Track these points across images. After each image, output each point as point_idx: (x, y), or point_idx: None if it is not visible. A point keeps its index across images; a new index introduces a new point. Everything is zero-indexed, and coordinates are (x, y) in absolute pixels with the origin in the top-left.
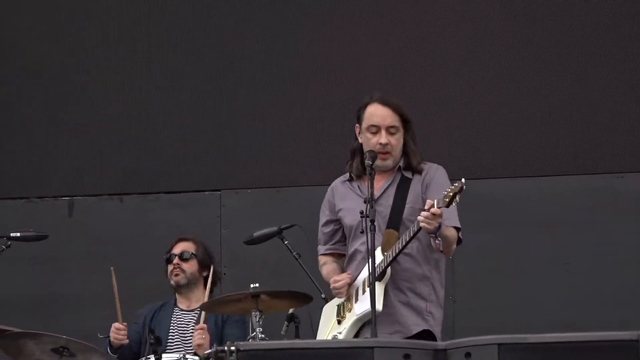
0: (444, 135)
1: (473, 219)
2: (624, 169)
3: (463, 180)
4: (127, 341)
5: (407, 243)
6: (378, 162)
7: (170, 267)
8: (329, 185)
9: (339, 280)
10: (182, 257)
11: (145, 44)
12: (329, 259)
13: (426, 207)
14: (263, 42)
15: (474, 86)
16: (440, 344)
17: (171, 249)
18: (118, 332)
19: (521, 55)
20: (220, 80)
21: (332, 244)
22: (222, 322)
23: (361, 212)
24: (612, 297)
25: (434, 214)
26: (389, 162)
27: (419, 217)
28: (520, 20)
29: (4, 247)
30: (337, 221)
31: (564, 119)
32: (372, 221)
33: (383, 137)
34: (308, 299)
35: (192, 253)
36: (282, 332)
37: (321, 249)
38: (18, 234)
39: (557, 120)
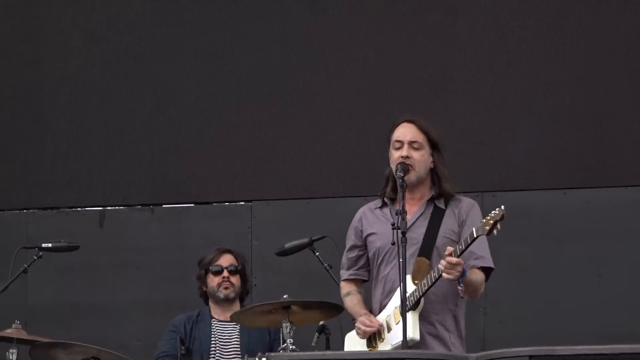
0: (473, 147)
1: (503, 230)
2: None
3: (503, 207)
4: None
5: (435, 281)
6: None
7: (217, 279)
8: (360, 196)
9: (369, 325)
10: (229, 270)
11: (175, 55)
12: (353, 288)
13: (446, 253)
14: (293, 52)
15: (504, 98)
16: (472, 355)
17: (217, 259)
18: None
19: (552, 67)
20: (251, 92)
21: (356, 270)
22: (274, 338)
23: (393, 224)
24: None
25: (451, 264)
26: (412, 176)
27: (439, 266)
28: (549, 33)
29: (35, 257)
30: (362, 247)
31: (595, 131)
32: (404, 233)
33: (404, 151)
34: (339, 309)
35: (238, 267)
36: (312, 344)
37: (344, 274)
38: (50, 245)
39: (588, 132)
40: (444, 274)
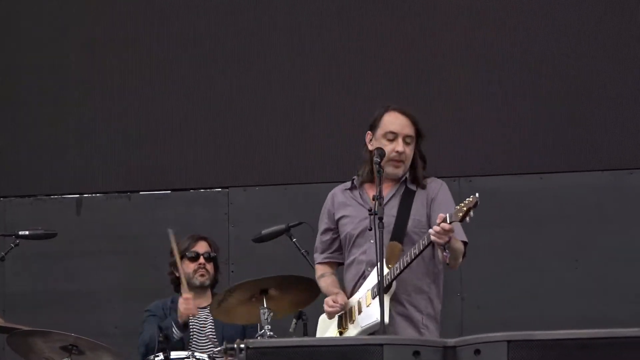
0: (451, 132)
1: (480, 215)
2: (633, 165)
3: (477, 194)
4: (197, 312)
5: (415, 257)
6: (390, 170)
7: (193, 265)
8: (337, 182)
9: (332, 306)
10: (205, 257)
11: (155, 42)
12: (327, 270)
13: (437, 221)
14: (271, 42)
15: (481, 82)
16: (450, 340)
17: (193, 246)
18: (187, 301)
19: (528, 51)
20: (229, 79)
21: (330, 253)
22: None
23: (369, 210)
24: (621, 293)
25: (445, 230)
26: (400, 171)
27: (430, 231)
28: (524, 17)
29: (12, 245)
30: (336, 230)
31: (572, 115)
32: (381, 219)
33: (400, 145)
34: (316, 288)
35: (212, 255)
36: (290, 330)
37: (318, 257)
38: (27, 232)
39: (565, 117)
40: (434, 238)
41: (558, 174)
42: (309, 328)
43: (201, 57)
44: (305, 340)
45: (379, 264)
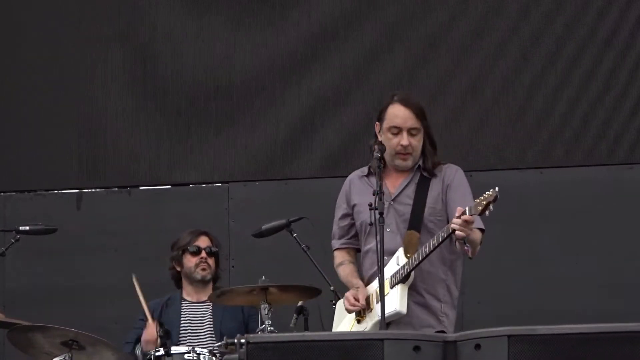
0: (451, 126)
1: None
2: (633, 160)
3: (497, 188)
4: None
5: (434, 249)
6: (398, 163)
7: (195, 260)
8: (337, 177)
9: (353, 304)
10: (207, 251)
11: (154, 36)
12: (345, 257)
13: (457, 214)
14: (272, 34)
15: (481, 77)
16: (450, 335)
17: (195, 240)
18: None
19: (528, 47)
20: (229, 73)
21: (348, 239)
22: (248, 315)
23: (370, 205)
24: (621, 288)
25: (466, 222)
26: (409, 163)
27: (452, 226)
28: (526, 12)
29: (13, 240)
30: (353, 215)
31: (571, 110)
32: (381, 213)
33: (404, 139)
34: (317, 292)
35: (213, 249)
36: (291, 325)
37: (336, 243)
38: (27, 228)
39: (565, 111)
40: (458, 232)
41: (558, 168)
42: (310, 323)
43: (201, 52)
44: (306, 335)
45: (379, 254)
